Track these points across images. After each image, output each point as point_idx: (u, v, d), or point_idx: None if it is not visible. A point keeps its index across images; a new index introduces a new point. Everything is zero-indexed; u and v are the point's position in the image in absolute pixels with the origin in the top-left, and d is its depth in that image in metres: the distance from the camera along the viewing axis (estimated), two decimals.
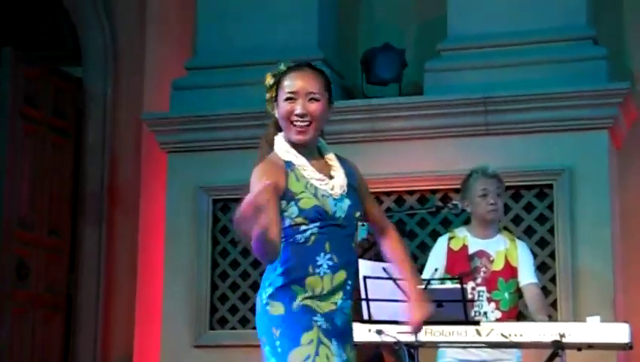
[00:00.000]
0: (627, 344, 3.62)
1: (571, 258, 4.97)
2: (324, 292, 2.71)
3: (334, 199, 2.75)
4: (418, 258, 5.15)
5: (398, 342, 3.70)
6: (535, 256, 4.90)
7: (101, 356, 6.03)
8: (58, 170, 6.12)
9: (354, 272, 2.81)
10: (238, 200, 6.00)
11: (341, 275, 2.74)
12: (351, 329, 2.80)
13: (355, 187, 2.83)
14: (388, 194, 5.30)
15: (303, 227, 2.71)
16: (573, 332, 3.61)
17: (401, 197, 5.32)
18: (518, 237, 4.35)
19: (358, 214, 2.79)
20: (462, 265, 4.05)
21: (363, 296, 3.63)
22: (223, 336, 5.41)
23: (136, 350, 5.76)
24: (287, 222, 2.73)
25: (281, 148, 2.80)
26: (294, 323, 2.67)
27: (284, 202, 2.72)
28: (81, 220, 6.19)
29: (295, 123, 2.73)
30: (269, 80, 2.80)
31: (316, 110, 2.73)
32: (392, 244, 2.89)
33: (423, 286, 3.58)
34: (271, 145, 2.84)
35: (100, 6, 6.34)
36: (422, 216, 5.24)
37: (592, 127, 5.09)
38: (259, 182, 2.64)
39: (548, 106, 5.15)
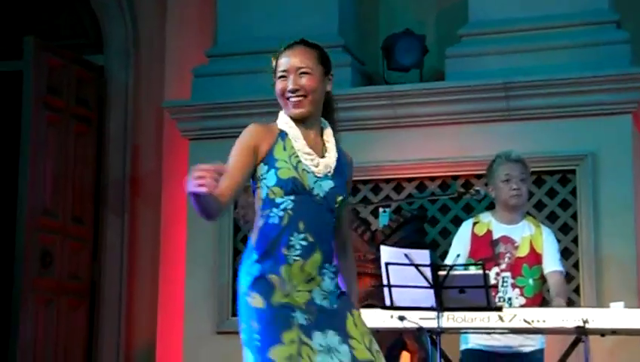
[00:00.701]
0: None
1: (594, 243, 4.95)
2: (297, 283, 2.70)
3: (315, 176, 2.74)
4: (440, 244, 5.15)
5: (420, 328, 3.70)
6: (559, 241, 4.88)
7: (125, 342, 6.08)
8: (81, 159, 6.15)
9: (332, 256, 2.77)
10: None
11: (316, 259, 2.71)
12: (344, 307, 2.74)
13: (344, 177, 2.83)
14: (409, 180, 5.29)
15: (278, 199, 2.71)
16: (597, 317, 3.59)
17: (423, 184, 5.31)
18: (542, 223, 4.32)
19: (340, 198, 2.77)
20: (485, 250, 4.04)
21: (385, 282, 3.63)
22: None
23: (159, 336, 5.80)
24: (265, 192, 2.73)
25: (282, 119, 2.83)
26: (274, 320, 2.66)
27: (265, 167, 2.74)
28: (103, 208, 6.23)
29: (290, 98, 2.77)
30: (273, 62, 2.86)
31: (307, 83, 2.76)
32: (348, 265, 2.88)
33: (445, 272, 3.59)
34: None
35: None
36: (443, 202, 5.23)
37: (615, 112, 5.06)
38: (242, 138, 2.74)
39: (570, 91, 5.11)
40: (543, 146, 5.06)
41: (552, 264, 4.02)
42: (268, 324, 2.67)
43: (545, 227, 4.18)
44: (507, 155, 4.16)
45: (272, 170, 2.73)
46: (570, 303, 4.89)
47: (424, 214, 5.13)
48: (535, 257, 4.01)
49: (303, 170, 2.74)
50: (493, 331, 3.81)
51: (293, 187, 2.71)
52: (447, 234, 5.05)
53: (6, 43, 6.61)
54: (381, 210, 5.09)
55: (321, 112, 2.85)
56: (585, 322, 3.56)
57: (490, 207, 4.33)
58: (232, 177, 2.67)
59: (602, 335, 3.67)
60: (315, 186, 2.74)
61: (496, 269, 4.00)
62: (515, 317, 3.65)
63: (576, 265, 5.00)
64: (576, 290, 4.97)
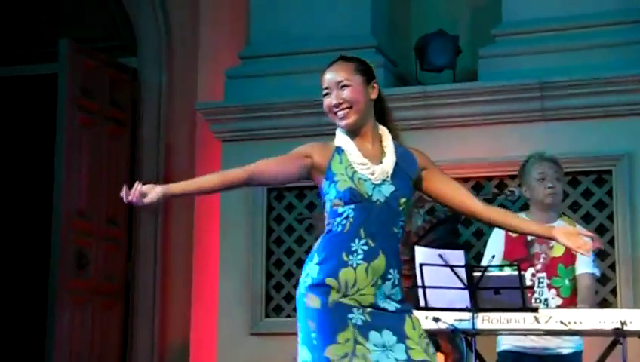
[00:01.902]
0: None
1: (631, 244, 4.90)
2: (362, 286, 2.78)
3: (373, 183, 2.85)
4: (474, 245, 5.12)
5: (455, 330, 3.68)
6: None
7: (159, 343, 6.11)
8: (115, 161, 6.19)
9: (397, 260, 2.84)
10: (293, 189, 6.03)
11: (380, 262, 2.80)
12: (404, 310, 2.82)
13: (410, 175, 2.89)
14: None
15: (340, 209, 2.84)
16: (635, 319, 3.55)
17: None
18: (577, 223, 4.28)
19: (403, 200, 2.85)
20: (520, 251, 4.01)
21: (419, 283, 3.61)
22: (278, 324, 5.43)
23: (193, 337, 5.82)
24: (328, 205, 2.88)
25: (338, 137, 2.96)
26: (330, 320, 2.77)
27: (326, 182, 2.88)
28: (137, 210, 6.26)
29: (337, 113, 2.89)
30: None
31: (349, 95, 2.87)
32: (481, 211, 2.92)
33: (480, 273, 3.57)
34: None
35: None
36: None
37: None
38: (299, 147, 2.92)
39: (605, 91, 5.06)
40: (579, 146, 5.02)
41: (583, 265, 3.98)
42: (324, 324, 2.77)
43: (580, 227, 4.13)
44: (540, 155, 4.14)
45: (332, 184, 2.87)
46: (607, 305, 4.85)
47: (458, 215, 5.10)
48: (571, 257, 3.98)
49: (359, 179, 2.85)
50: (528, 332, 3.78)
51: (352, 196, 2.83)
52: (481, 236, 5.02)
53: (41, 46, 6.67)
54: (415, 210, 5.07)
55: (377, 118, 2.96)
56: (623, 324, 3.52)
57: (524, 208, 4.29)
58: (269, 162, 2.90)
59: None
60: (374, 193, 2.84)
61: (531, 270, 3.96)
62: (551, 318, 3.62)
63: (612, 267, 4.95)
64: (613, 292, 4.92)
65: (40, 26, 6.76)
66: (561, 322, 3.60)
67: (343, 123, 2.88)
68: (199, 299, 5.82)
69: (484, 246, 4.25)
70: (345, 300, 2.76)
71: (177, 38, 6.35)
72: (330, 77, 2.89)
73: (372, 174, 2.85)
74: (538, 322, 3.63)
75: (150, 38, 6.40)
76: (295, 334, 5.45)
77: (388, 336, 2.76)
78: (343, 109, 2.87)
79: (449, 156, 5.21)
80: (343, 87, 2.87)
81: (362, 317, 2.76)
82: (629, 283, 4.86)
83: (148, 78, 6.36)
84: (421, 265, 3.59)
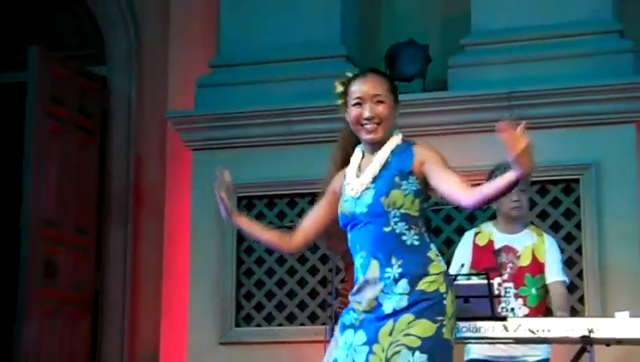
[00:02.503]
0: None
1: (598, 253, 4.94)
2: (367, 294, 2.86)
3: (353, 198, 2.91)
4: (444, 253, 5.14)
5: None
6: (562, 251, 4.86)
7: (128, 353, 6.07)
8: (84, 169, 6.16)
9: (394, 255, 2.84)
10: (263, 198, 6.02)
11: (374, 268, 2.85)
12: (399, 311, 2.80)
13: (401, 169, 2.89)
14: None
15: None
16: (602, 327, 3.58)
17: None
18: (545, 232, 4.31)
19: (383, 198, 2.86)
20: (488, 260, 4.03)
21: None
22: (248, 334, 5.42)
23: (163, 347, 5.79)
24: None
25: (354, 154, 3.02)
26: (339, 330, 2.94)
27: None
28: (107, 219, 6.23)
29: (365, 125, 2.90)
30: (339, 87, 3.00)
31: (383, 111, 2.91)
32: (467, 192, 2.85)
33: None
34: (344, 146, 3.04)
35: (124, 5, 6.37)
36: (447, 212, 5.22)
37: (619, 121, 5.05)
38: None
39: (573, 100, 5.11)
40: (547, 156, 5.05)
41: (554, 273, 4.00)
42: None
43: (547, 236, 4.16)
44: (507, 166, 4.15)
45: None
46: (575, 313, 4.88)
47: (428, 224, 5.12)
48: (537, 266, 4.00)
49: (344, 201, 2.95)
50: (497, 341, 3.80)
51: (343, 220, 2.95)
52: (451, 244, 5.04)
53: (10, 54, 6.63)
54: None
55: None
56: (590, 331, 3.54)
57: (492, 217, 4.32)
58: (307, 219, 3.08)
59: (607, 344, 3.66)
60: (357, 207, 2.91)
61: (498, 279, 3.98)
62: (519, 326, 3.64)
63: (580, 275, 4.99)
64: (581, 300, 4.95)
65: (9, 34, 6.71)
66: (530, 330, 3.62)
67: (370, 137, 2.91)
68: (169, 309, 5.79)
69: (452, 255, 4.27)
70: (355, 307, 2.90)
71: (147, 47, 6.34)
72: (366, 89, 2.90)
73: (352, 190, 2.91)
74: (507, 330, 3.64)
75: (120, 46, 6.38)
76: (265, 343, 5.48)
77: (359, 337, 2.79)
78: (373, 124, 2.89)
79: None
80: (378, 102, 2.90)
81: (356, 316, 2.85)
82: (597, 292, 4.90)
83: (117, 87, 6.34)
84: None
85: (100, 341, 6.11)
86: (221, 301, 5.47)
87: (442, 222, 5.25)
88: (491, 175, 4.18)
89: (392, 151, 2.92)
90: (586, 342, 3.56)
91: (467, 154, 5.20)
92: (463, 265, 3.93)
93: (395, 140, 2.95)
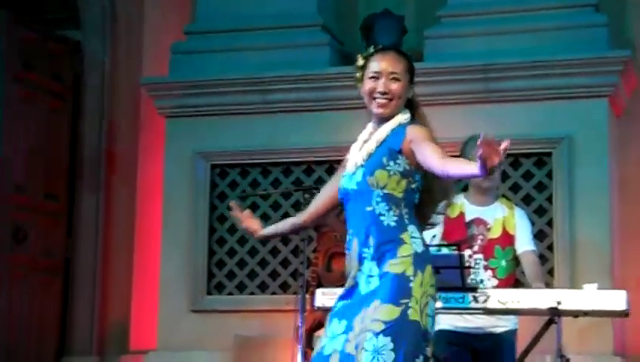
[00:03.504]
0: (624, 311, 3.61)
1: (569, 226, 4.98)
2: (350, 274, 2.92)
3: (349, 174, 2.96)
4: None
5: None
6: (533, 224, 4.89)
7: (99, 319, 6.06)
8: (55, 135, 6.10)
9: (372, 234, 2.87)
10: (236, 166, 6.00)
11: (354, 248, 2.90)
12: (371, 295, 2.82)
13: (392, 147, 2.91)
14: None
15: None
16: (570, 299, 3.60)
17: None
18: (517, 205, 4.33)
19: (368, 177, 2.89)
20: (459, 232, 4.03)
21: None
22: (220, 301, 5.43)
23: (134, 314, 5.78)
24: None
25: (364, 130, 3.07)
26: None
27: None
28: (78, 185, 6.18)
29: (377, 99, 2.95)
30: (360, 61, 3.04)
31: (397, 89, 2.96)
32: (440, 162, 2.83)
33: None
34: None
35: None
36: None
37: (592, 95, 5.07)
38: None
39: (548, 74, 5.12)
40: (521, 129, 5.07)
41: (524, 244, 4.02)
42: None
43: (518, 208, 4.17)
44: (479, 137, 4.14)
45: None
46: (545, 285, 4.92)
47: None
48: (507, 238, 4.02)
49: (342, 176, 3.00)
50: (467, 312, 3.82)
51: (340, 195, 3.00)
52: None
53: None
54: None
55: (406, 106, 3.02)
56: (558, 303, 3.57)
57: (465, 189, 4.32)
58: (320, 193, 3.18)
59: (575, 316, 3.69)
60: (350, 183, 2.95)
61: (468, 251, 3.99)
62: (489, 297, 3.66)
63: (550, 248, 5.03)
64: (551, 272, 5.00)
65: None
66: (499, 301, 3.64)
67: (379, 111, 2.95)
68: (141, 276, 5.78)
69: None
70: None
71: (122, 11, 6.26)
72: (384, 65, 2.96)
73: (349, 166, 2.97)
74: (477, 301, 3.66)
75: (94, 10, 6.30)
76: (236, 311, 5.47)
77: (340, 326, 2.83)
78: (385, 99, 2.94)
79: None
80: (393, 79, 2.95)
81: (341, 303, 2.90)
82: (567, 264, 4.94)
83: (91, 52, 6.26)
84: None
85: (71, 308, 6.09)
86: (193, 269, 5.46)
87: None
88: (465, 146, 4.17)
89: (393, 130, 2.96)
90: (554, 314, 3.59)
91: (442, 126, 5.10)
92: (434, 236, 3.93)
93: (400, 119, 2.97)
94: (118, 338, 5.90)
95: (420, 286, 2.81)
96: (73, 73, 6.25)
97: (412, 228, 2.89)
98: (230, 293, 5.46)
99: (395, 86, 2.95)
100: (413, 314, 2.76)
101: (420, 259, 2.85)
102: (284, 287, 5.38)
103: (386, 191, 2.87)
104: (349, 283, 2.91)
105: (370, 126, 3.04)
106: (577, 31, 5.17)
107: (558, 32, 5.19)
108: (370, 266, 2.85)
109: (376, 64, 2.98)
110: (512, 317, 3.98)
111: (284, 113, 5.42)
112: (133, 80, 6.01)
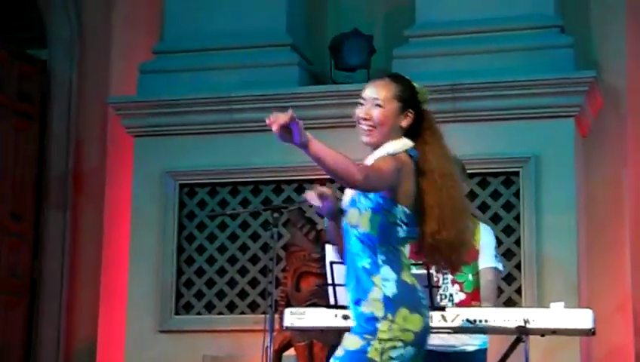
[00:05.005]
0: (590, 329, 3.65)
1: (536, 245, 5.01)
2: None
3: (344, 209, 2.89)
4: None
5: None
6: (501, 243, 4.94)
7: (65, 341, 5.99)
8: (22, 155, 6.04)
9: (349, 273, 2.87)
10: (205, 186, 5.99)
11: (350, 286, 2.88)
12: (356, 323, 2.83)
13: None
14: None
15: None
16: (537, 317, 3.63)
17: None
18: (484, 223, 4.36)
19: (345, 217, 2.85)
20: None
21: (330, 281, 3.62)
22: (188, 321, 5.39)
23: (101, 335, 5.72)
24: None
25: None
26: None
27: None
28: (45, 205, 6.13)
29: (360, 125, 2.89)
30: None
31: (377, 115, 2.86)
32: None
33: None
34: None
35: None
36: None
37: (559, 115, 5.13)
38: None
39: (515, 94, 5.17)
40: (488, 148, 5.11)
41: (486, 260, 4.03)
42: None
43: (484, 224, 4.20)
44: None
45: None
46: (513, 303, 4.95)
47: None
48: (474, 253, 4.03)
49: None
50: (436, 331, 3.83)
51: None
52: None
53: None
54: None
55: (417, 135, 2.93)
56: (526, 322, 3.59)
57: None
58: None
59: (542, 335, 3.72)
60: (344, 220, 2.88)
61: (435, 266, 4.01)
62: (457, 316, 3.68)
63: (518, 266, 5.06)
64: (518, 291, 5.03)
65: None
66: (468, 320, 3.66)
67: (364, 140, 2.88)
68: (108, 296, 5.72)
69: None
70: None
71: (89, 31, 6.24)
72: (368, 92, 2.90)
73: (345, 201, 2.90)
74: (445, 320, 3.68)
75: (61, 30, 6.27)
76: (205, 331, 5.45)
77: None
78: (367, 126, 2.87)
79: (362, 154, 5.24)
80: (376, 105, 2.87)
81: None
82: (534, 283, 4.97)
83: (58, 71, 6.23)
84: (331, 263, 3.60)
85: (36, 330, 6.02)
86: (161, 288, 5.43)
87: None
88: None
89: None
90: (522, 332, 3.61)
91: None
92: None
93: (388, 148, 2.84)
94: (85, 360, 5.83)
95: (389, 330, 2.74)
96: (41, 92, 6.21)
97: (385, 270, 2.79)
98: (199, 313, 5.43)
99: (376, 113, 2.85)
100: (372, 353, 2.72)
101: (391, 303, 2.76)
102: (253, 307, 5.36)
103: (360, 230, 2.81)
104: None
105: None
106: (544, 52, 5.23)
107: (525, 52, 5.25)
108: (352, 308, 2.85)
109: (364, 90, 2.92)
110: (483, 335, 3.99)
111: (253, 132, 5.42)
112: (101, 99, 5.98)
